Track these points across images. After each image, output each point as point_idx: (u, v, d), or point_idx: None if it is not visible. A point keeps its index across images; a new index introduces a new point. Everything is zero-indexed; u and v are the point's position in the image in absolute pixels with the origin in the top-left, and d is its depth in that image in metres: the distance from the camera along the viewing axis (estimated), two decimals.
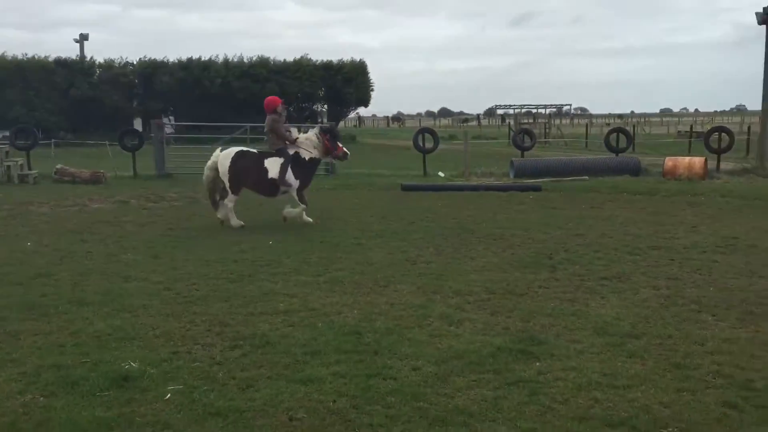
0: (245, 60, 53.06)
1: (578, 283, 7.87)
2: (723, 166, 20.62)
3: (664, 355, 5.54)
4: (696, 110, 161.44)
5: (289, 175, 11.73)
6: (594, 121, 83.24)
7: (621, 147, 22.42)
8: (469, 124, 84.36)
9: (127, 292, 7.55)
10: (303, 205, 11.89)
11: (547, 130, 47.26)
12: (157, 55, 60.28)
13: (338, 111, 57.85)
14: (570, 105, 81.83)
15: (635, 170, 20.05)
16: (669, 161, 19.72)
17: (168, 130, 35.34)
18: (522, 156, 22.54)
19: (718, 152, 20.88)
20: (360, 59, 56.06)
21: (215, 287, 7.77)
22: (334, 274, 8.35)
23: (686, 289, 7.63)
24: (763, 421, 4.37)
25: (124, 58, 51.87)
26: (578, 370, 5.20)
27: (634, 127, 44.73)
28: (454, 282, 7.91)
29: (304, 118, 56.80)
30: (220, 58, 52.67)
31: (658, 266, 8.76)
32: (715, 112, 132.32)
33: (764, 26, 19.84)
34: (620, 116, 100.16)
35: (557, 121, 60.60)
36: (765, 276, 8.19)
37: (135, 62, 51.38)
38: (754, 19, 20.35)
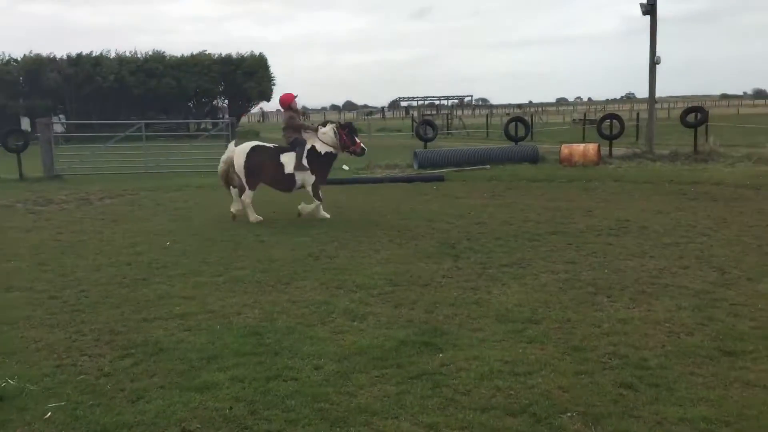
0: (139, 55, 51.19)
1: (480, 271, 7.93)
2: (615, 151, 21.47)
3: (563, 339, 5.62)
4: (589, 99, 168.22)
5: (306, 171, 11.80)
6: (494, 111, 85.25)
7: (520, 136, 22.97)
8: (373, 116, 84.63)
9: (8, 303, 7.03)
10: (318, 201, 11.82)
11: (450, 122, 47.93)
12: (45, 51, 57.25)
13: (239, 106, 56.77)
14: (471, 96, 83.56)
15: (534, 158, 20.58)
16: (565, 148, 20.35)
17: (58, 128, 33.64)
18: (425, 147, 22.71)
19: (610, 138, 21.72)
20: (260, 53, 55.25)
21: (106, 293, 7.35)
22: (234, 274, 8.08)
23: (583, 272, 7.82)
24: (657, 400, 4.47)
25: (7, 54, 48.96)
26: (480, 359, 5.19)
27: (531, 116, 46.03)
28: (357, 276, 7.80)
29: (205, 113, 55.42)
30: (113, 54, 50.59)
31: (557, 251, 8.96)
32: (607, 100, 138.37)
33: (648, 17, 20.75)
34: (519, 106, 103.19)
35: (459, 113, 61.62)
36: (656, 256, 8.51)
37: (19, 58, 48.58)
38: (639, 11, 21.26)
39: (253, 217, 11.66)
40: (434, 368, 5.06)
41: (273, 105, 76.54)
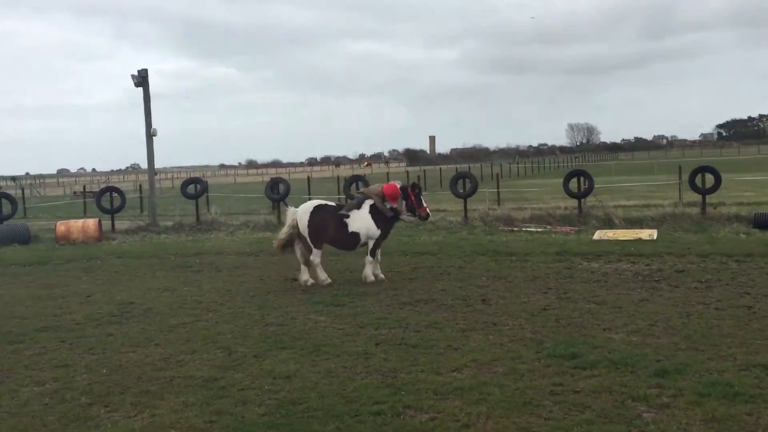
0: None
1: None
2: (118, 225, 20.44)
3: None
4: (93, 170, 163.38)
5: (371, 226, 11.06)
6: None
7: (6, 214, 20.22)
8: None
9: None
10: (371, 258, 11.10)
11: None
12: None
13: None
14: None
15: (24, 238, 18.20)
16: (61, 225, 18.51)
17: None
18: None
19: (112, 212, 20.65)
20: None
21: None
22: None
23: (77, 377, 6.62)
24: None
25: None
26: None
27: (23, 189, 41.63)
28: None
29: None
30: None
31: (46, 353, 7.54)
32: (112, 171, 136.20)
33: (141, 88, 20.50)
34: (14, 178, 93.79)
35: None
36: (161, 343, 7.79)
37: None
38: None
39: (323, 276, 10.99)
40: None
41: None
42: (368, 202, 11.21)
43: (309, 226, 11.04)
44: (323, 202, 11.69)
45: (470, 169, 26.64)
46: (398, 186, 11.37)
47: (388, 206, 11.16)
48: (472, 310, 8.79)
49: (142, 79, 20.30)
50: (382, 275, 11.26)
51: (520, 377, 6.07)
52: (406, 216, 11.45)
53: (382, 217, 11.16)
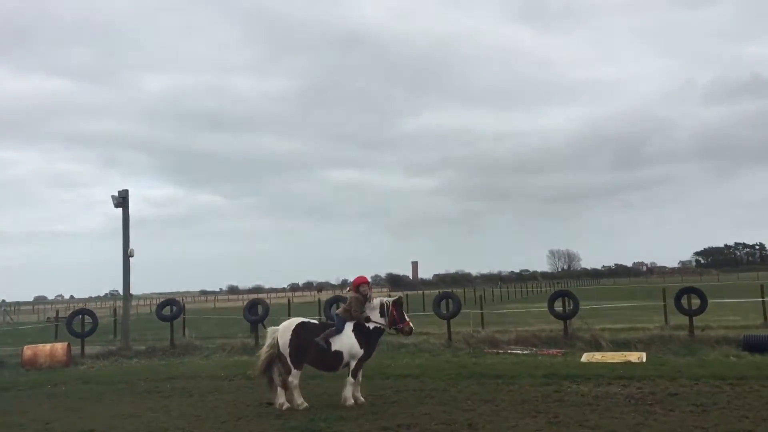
0: None
1: None
2: (89, 350, 19.65)
3: None
4: (72, 296, 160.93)
5: (354, 344, 10.58)
6: None
7: None
8: None
9: None
10: (353, 379, 10.57)
11: None
12: None
13: None
14: None
15: None
16: (28, 350, 17.76)
17: None
18: None
19: (82, 336, 19.96)
20: None
21: None
22: None
23: None
24: None
25: None
26: None
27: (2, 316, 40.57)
28: None
29: None
30: None
31: None
32: (90, 297, 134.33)
33: (120, 209, 20.41)
34: None
35: None
36: None
37: None
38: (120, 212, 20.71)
39: (300, 400, 10.44)
40: None
41: None
42: (350, 323, 10.77)
43: (290, 345, 10.51)
44: (306, 320, 11.16)
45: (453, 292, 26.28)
46: (368, 280, 11.31)
47: (365, 314, 10.76)
48: None
49: (122, 199, 20.25)
50: (362, 398, 10.67)
51: None
52: (378, 320, 10.81)
53: (366, 336, 10.69)
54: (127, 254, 20.38)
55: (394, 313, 10.85)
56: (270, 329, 11.15)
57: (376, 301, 11.01)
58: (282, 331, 10.68)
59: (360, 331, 10.70)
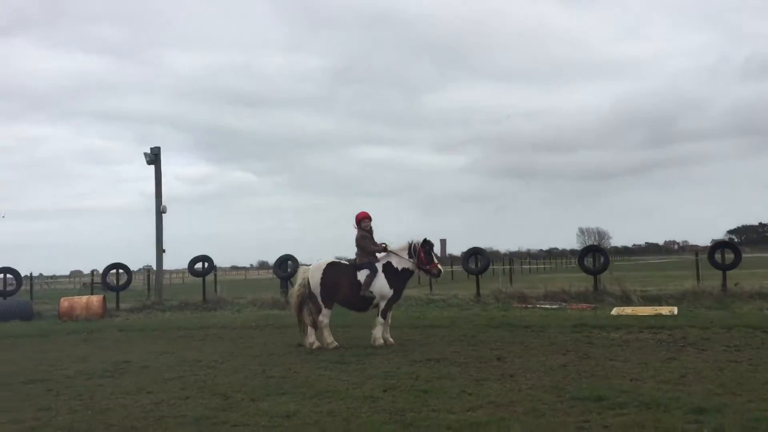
0: None
1: None
2: (123, 305, 20.02)
3: None
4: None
5: (383, 285, 10.56)
6: None
7: (9, 290, 20.00)
8: None
9: None
10: (382, 320, 10.59)
11: None
12: None
13: None
14: None
15: (27, 314, 17.79)
16: (64, 301, 18.17)
17: None
18: None
19: (117, 290, 20.37)
20: None
21: None
22: None
23: (59, 416, 6.12)
24: None
25: None
26: None
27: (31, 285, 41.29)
28: None
29: None
30: None
31: (30, 399, 7.04)
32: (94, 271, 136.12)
33: (153, 166, 20.67)
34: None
35: None
36: (154, 391, 7.30)
37: None
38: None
39: (330, 339, 10.44)
40: None
41: None
42: (381, 263, 10.79)
43: (321, 283, 10.52)
44: (336, 260, 11.14)
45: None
46: (369, 215, 11.04)
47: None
48: (486, 366, 8.25)
49: (154, 156, 20.47)
50: (391, 339, 10.71)
51: (542, 415, 5.53)
52: (405, 262, 10.78)
53: (395, 277, 10.69)
54: (159, 210, 20.64)
55: (422, 255, 10.76)
56: (301, 268, 11.20)
57: (405, 242, 10.95)
58: (313, 271, 10.68)
59: (389, 272, 10.69)
